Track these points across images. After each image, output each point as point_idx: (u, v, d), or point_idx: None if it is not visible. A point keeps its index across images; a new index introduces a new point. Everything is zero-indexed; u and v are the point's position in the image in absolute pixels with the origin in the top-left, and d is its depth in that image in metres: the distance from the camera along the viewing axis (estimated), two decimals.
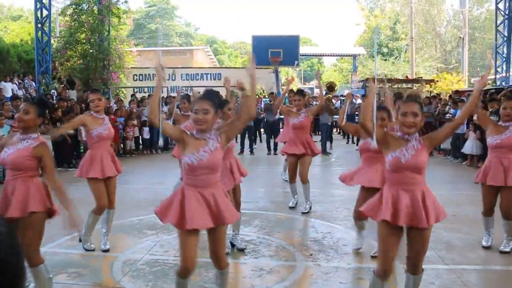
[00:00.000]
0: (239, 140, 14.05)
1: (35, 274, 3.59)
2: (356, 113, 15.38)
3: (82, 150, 11.56)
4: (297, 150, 6.74)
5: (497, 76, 18.18)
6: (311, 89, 33.54)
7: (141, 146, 14.43)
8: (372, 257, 4.91)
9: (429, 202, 3.25)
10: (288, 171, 7.08)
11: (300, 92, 7.26)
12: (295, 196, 7.15)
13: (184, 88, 14.95)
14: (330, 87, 18.82)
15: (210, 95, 3.37)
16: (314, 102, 17.23)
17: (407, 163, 3.23)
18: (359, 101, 17.03)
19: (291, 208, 7.07)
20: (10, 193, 3.55)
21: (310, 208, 6.98)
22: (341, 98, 22.25)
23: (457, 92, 17.21)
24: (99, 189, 5.09)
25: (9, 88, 15.29)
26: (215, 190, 3.31)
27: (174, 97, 15.26)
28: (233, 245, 5.21)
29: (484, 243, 5.29)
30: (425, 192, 3.28)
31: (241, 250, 5.18)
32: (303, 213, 6.86)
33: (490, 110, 10.70)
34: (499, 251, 5.09)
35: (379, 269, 3.33)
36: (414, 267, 3.38)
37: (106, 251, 5.15)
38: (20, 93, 15.18)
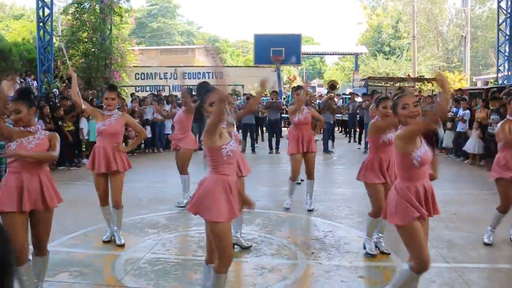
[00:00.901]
0: (240, 138, 14.05)
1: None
2: (358, 111, 15.35)
3: (84, 149, 11.59)
4: (304, 148, 6.81)
5: (499, 75, 18.14)
6: (313, 87, 33.54)
7: (142, 145, 14.42)
8: (383, 253, 4.94)
9: (434, 194, 3.47)
10: (293, 168, 6.96)
11: (299, 87, 7.28)
12: (292, 197, 7.07)
13: (187, 86, 14.94)
14: (332, 86, 18.76)
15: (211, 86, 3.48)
16: (318, 101, 17.26)
17: (430, 156, 3.38)
18: (359, 99, 17.00)
19: (286, 209, 6.97)
20: (29, 185, 3.57)
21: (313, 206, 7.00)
22: (344, 96, 22.25)
23: (459, 90, 17.17)
24: (96, 182, 5.25)
25: None
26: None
27: (171, 95, 15.22)
28: (237, 245, 5.14)
29: (486, 240, 5.29)
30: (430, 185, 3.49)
31: (247, 248, 5.18)
32: (309, 210, 6.88)
33: (491, 108, 10.70)
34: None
35: (420, 264, 3.27)
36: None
37: (121, 246, 5.22)
38: None
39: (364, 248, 5.02)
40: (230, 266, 3.39)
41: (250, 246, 5.23)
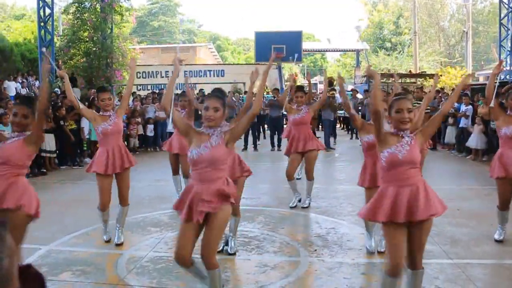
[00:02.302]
0: (242, 136, 14.05)
1: None
2: (359, 107, 15.32)
3: (85, 148, 11.60)
4: (299, 148, 6.74)
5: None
6: (315, 84, 33.50)
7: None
8: (379, 252, 4.91)
9: (430, 194, 3.27)
10: (289, 167, 6.89)
11: (301, 88, 7.22)
12: (296, 194, 7.02)
13: (191, 85, 14.92)
14: (330, 83, 18.73)
15: (221, 94, 3.52)
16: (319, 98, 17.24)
17: (404, 158, 3.24)
18: (360, 96, 16.96)
19: (292, 208, 6.93)
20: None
21: (309, 204, 6.97)
22: (346, 93, 22.20)
23: None
24: (102, 185, 5.14)
25: (13, 87, 15.33)
26: (218, 185, 3.35)
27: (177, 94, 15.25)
28: (227, 244, 5.03)
29: (496, 237, 5.27)
30: (425, 184, 3.32)
31: (231, 255, 4.95)
32: (303, 207, 6.88)
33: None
34: None
35: (390, 265, 3.24)
36: (414, 261, 3.35)
37: (119, 245, 5.22)
38: (23, 91, 15.23)
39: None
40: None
41: (235, 254, 4.99)
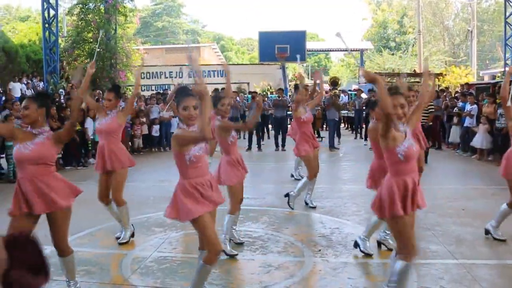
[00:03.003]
0: (246, 136, 14.04)
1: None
2: (364, 107, 15.28)
3: (90, 148, 11.62)
4: (311, 149, 6.80)
5: (507, 69, 17.99)
6: (318, 85, 33.48)
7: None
8: (390, 250, 4.88)
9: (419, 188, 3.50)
10: (311, 166, 6.84)
11: (296, 87, 7.28)
12: (310, 193, 7.00)
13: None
14: (334, 82, 18.71)
15: (191, 91, 3.48)
16: (323, 97, 17.21)
17: (417, 150, 3.45)
18: (364, 95, 16.92)
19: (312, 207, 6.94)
20: (45, 188, 3.60)
21: (307, 203, 6.97)
22: (349, 92, 22.17)
23: (466, 85, 17.07)
24: (99, 181, 5.33)
25: (18, 88, 15.39)
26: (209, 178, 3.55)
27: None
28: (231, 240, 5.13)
29: (497, 236, 5.24)
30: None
31: (241, 244, 5.22)
32: (311, 207, 6.88)
33: (499, 102, 10.61)
34: None
35: (409, 249, 3.41)
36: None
37: (122, 243, 5.28)
38: (28, 93, 15.28)
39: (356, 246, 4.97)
40: (218, 257, 3.51)
41: (243, 243, 5.25)
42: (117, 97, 5.32)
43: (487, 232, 5.34)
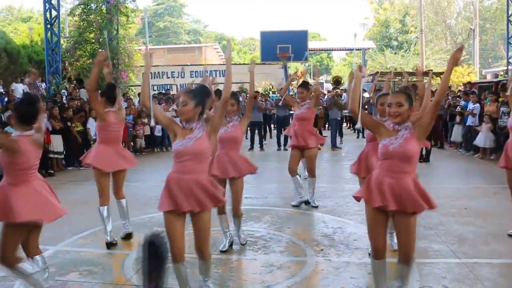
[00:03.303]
0: (249, 136, 14.04)
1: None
2: (366, 106, 15.25)
3: None
4: (296, 142, 6.77)
5: (509, 67, 17.95)
6: (321, 84, 33.45)
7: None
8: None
9: (417, 191, 3.34)
10: (290, 162, 6.93)
11: (303, 84, 7.12)
12: (300, 194, 7.00)
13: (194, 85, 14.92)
14: (337, 81, 18.69)
15: (193, 90, 3.66)
16: (326, 97, 17.19)
17: (395, 150, 3.34)
18: (366, 95, 16.86)
19: (294, 206, 6.94)
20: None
21: (308, 202, 6.99)
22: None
23: (468, 83, 17.02)
24: (101, 180, 5.36)
25: (20, 89, 15.39)
26: (200, 177, 3.52)
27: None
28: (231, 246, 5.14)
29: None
30: (414, 181, 3.38)
31: (243, 245, 5.20)
32: (313, 206, 6.89)
33: (502, 100, 10.60)
34: None
35: (372, 248, 3.53)
36: (405, 257, 3.44)
37: (125, 238, 5.39)
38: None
39: None
40: (176, 258, 3.64)
41: (245, 244, 5.24)
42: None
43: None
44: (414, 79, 20.79)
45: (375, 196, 3.38)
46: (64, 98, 14.14)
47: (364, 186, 3.55)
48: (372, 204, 3.40)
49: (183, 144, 3.44)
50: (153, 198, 7.65)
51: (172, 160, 3.55)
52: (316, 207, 6.89)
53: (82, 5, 17.76)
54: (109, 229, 5.19)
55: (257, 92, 17.49)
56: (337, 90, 15.01)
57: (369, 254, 3.59)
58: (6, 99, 12.36)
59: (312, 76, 50.45)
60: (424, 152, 11.01)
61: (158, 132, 14.11)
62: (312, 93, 6.95)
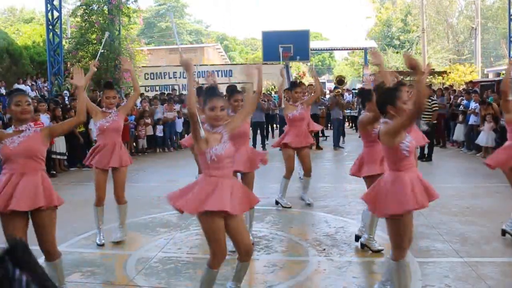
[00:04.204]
0: (251, 136, 14.03)
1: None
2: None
3: None
4: (299, 144, 6.77)
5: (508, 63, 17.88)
6: (323, 83, 33.43)
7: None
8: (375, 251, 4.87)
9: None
10: (290, 164, 6.91)
11: (298, 84, 7.18)
12: (303, 193, 7.09)
13: (202, 85, 14.93)
14: (340, 81, 18.64)
15: (219, 92, 3.54)
16: (327, 96, 17.19)
17: (410, 149, 3.37)
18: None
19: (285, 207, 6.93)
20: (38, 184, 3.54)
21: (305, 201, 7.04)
22: (354, 91, 22.12)
23: (470, 82, 17.00)
24: (99, 179, 5.25)
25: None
26: (234, 180, 3.50)
27: (182, 94, 15.19)
28: None
29: None
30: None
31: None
32: (307, 204, 6.99)
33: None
34: None
35: (401, 253, 3.42)
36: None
37: (116, 243, 5.32)
38: (33, 94, 15.33)
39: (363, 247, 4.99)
40: (223, 260, 3.46)
41: (253, 244, 5.23)
42: (118, 94, 5.40)
43: (504, 233, 5.27)
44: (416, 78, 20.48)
45: (416, 200, 3.30)
46: (66, 99, 14.15)
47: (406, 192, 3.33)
48: (425, 205, 3.35)
49: (222, 148, 3.36)
50: (155, 199, 7.67)
51: (202, 165, 3.41)
52: (310, 204, 6.98)
53: (83, 6, 17.80)
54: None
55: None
56: (339, 90, 14.97)
57: (395, 258, 3.46)
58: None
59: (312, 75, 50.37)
60: (426, 151, 10.99)
61: (159, 133, 14.12)
62: (308, 93, 6.99)
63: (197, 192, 3.29)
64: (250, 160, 5.06)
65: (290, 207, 6.87)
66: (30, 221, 3.61)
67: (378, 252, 4.79)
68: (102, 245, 5.28)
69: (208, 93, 3.52)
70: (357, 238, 5.10)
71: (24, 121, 3.61)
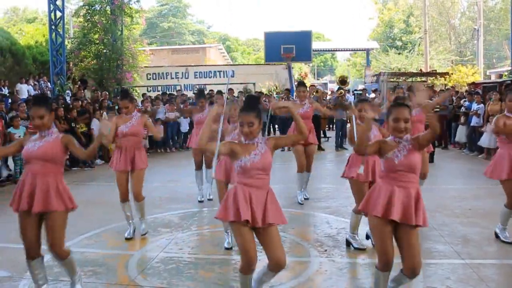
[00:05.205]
0: None
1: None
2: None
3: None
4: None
5: None
6: (325, 84, 33.43)
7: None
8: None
9: (421, 203, 3.31)
10: (301, 160, 7.09)
11: (303, 83, 7.48)
12: (303, 189, 7.28)
13: (201, 86, 14.99)
14: (343, 81, 18.57)
15: (255, 105, 3.49)
16: (328, 97, 17.19)
17: (400, 163, 3.30)
18: (371, 95, 16.83)
19: (300, 204, 7.11)
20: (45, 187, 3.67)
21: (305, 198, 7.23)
22: (355, 92, 22.10)
23: (473, 84, 16.97)
24: (120, 179, 5.60)
25: (25, 89, 15.47)
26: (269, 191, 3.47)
27: (183, 94, 15.23)
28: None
29: (505, 239, 5.18)
30: (418, 193, 3.35)
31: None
32: (300, 203, 7.09)
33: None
34: None
35: (380, 261, 3.39)
36: (413, 272, 3.35)
37: (144, 234, 5.62)
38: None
39: (349, 245, 5.10)
40: (250, 267, 3.45)
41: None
42: (131, 100, 5.76)
43: (497, 235, 5.29)
44: (418, 80, 20.70)
45: (384, 208, 3.30)
46: (68, 99, 14.19)
47: (368, 198, 3.46)
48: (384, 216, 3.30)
49: (250, 159, 3.35)
50: (157, 199, 7.68)
51: (236, 175, 3.44)
52: (306, 199, 7.21)
53: (86, 6, 17.85)
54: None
55: (261, 92, 17.51)
56: (342, 90, 14.93)
57: (376, 267, 3.46)
58: (10, 100, 12.40)
59: (315, 76, 50.32)
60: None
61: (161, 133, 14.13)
62: (314, 93, 7.15)
63: (225, 199, 3.42)
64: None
65: (302, 203, 7.09)
66: None
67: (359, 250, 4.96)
68: (130, 238, 5.53)
69: (241, 108, 3.51)
70: (368, 237, 5.18)
71: (42, 130, 3.79)
